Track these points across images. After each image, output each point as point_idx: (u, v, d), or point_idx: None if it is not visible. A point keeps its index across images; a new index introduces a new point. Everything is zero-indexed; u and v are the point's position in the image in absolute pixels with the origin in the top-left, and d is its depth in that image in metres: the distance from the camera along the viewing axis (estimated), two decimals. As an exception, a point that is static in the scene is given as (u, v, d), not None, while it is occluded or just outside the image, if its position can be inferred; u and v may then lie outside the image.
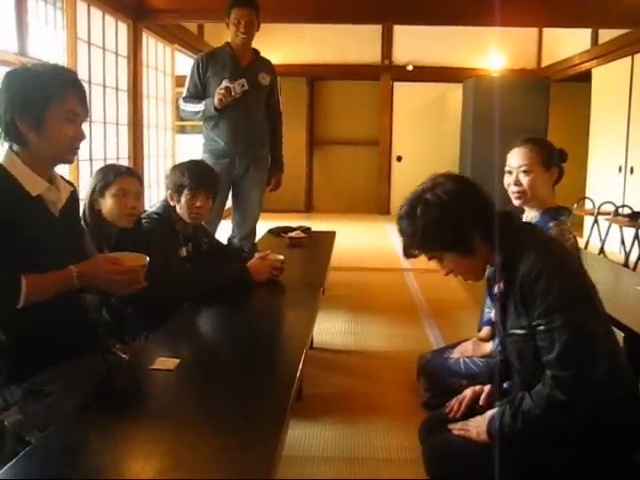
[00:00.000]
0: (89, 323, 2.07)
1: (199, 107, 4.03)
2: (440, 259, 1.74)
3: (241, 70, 4.05)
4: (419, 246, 1.73)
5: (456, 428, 1.79)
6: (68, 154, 1.88)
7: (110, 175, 2.51)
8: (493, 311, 2.73)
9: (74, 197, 2.01)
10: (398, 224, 1.77)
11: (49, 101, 1.78)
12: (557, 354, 1.57)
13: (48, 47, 5.51)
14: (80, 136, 1.87)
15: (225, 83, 3.87)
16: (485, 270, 1.79)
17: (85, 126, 1.91)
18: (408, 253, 1.77)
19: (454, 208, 1.68)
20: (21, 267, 1.72)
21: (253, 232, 4.30)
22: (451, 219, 1.68)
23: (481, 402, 1.89)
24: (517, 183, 2.52)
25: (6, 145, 1.83)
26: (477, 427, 1.73)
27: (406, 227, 1.74)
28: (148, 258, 1.98)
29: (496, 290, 1.79)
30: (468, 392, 1.94)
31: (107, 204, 2.48)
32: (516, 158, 2.53)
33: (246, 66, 4.08)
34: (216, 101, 3.87)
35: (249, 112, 4.09)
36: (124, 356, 2.15)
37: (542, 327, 1.59)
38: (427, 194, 1.71)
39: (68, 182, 2.04)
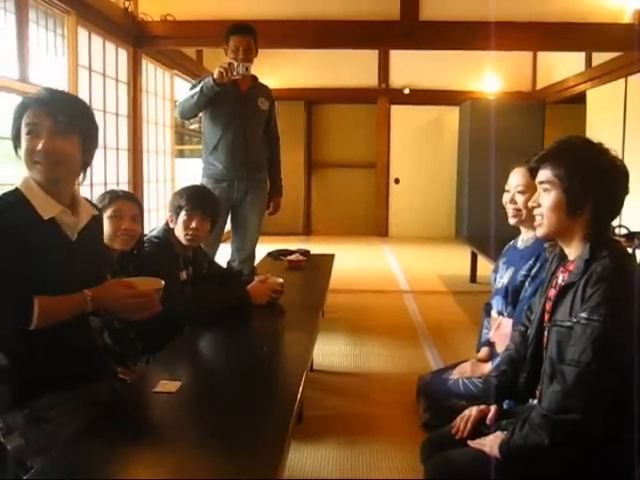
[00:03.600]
0: (95, 349, 2.06)
1: (196, 89, 3.93)
2: (548, 190, 1.76)
3: (241, 95, 4.09)
4: (555, 162, 1.75)
5: (474, 443, 1.81)
6: (34, 170, 1.82)
7: (107, 198, 2.54)
8: (491, 331, 2.76)
9: (96, 220, 2.03)
10: (562, 141, 1.83)
11: (19, 120, 1.81)
12: (580, 348, 1.60)
13: (49, 74, 5.58)
14: (39, 150, 1.78)
15: (229, 60, 3.88)
16: (557, 233, 1.80)
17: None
18: (540, 160, 1.81)
19: (610, 179, 1.74)
20: (35, 289, 1.72)
21: (252, 256, 4.31)
22: (602, 180, 1.72)
23: (488, 421, 1.91)
24: (513, 201, 2.60)
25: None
26: (491, 442, 1.75)
27: (564, 146, 1.80)
28: (163, 282, 1.98)
29: (561, 279, 1.81)
30: (473, 411, 1.95)
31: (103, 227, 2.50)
32: (515, 178, 2.61)
33: (246, 92, 4.13)
34: (216, 73, 3.81)
35: (248, 136, 4.11)
36: (129, 380, 2.16)
37: (583, 321, 1.62)
38: (604, 154, 1.77)
39: (94, 205, 2.08)
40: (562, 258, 1.87)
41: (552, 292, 1.84)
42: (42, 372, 1.82)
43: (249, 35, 4.03)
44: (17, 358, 1.79)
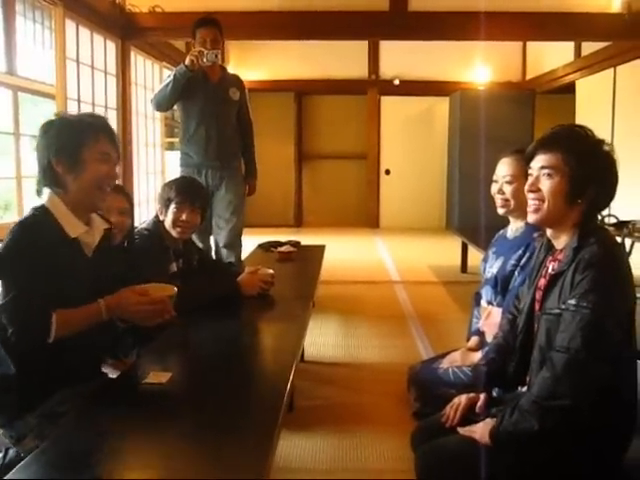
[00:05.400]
0: (95, 352, 2.12)
1: (169, 78, 4.09)
2: (550, 176, 1.74)
3: (212, 87, 4.19)
4: (563, 148, 1.73)
5: (464, 430, 1.82)
6: (98, 195, 1.96)
7: None
8: (481, 321, 2.78)
9: (108, 235, 2.11)
10: (564, 128, 1.81)
11: (83, 142, 1.90)
12: (569, 335, 1.61)
13: (37, 66, 5.55)
14: (113, 176, 2.00)
15: (199, 48, 4.04)
16: (553, 220, 1.79)
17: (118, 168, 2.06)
18: (541, 145, 1.79)
19: (611, 170, 1.74)
20: (56, 305, 1.80)
21: (236, 242, 4.34)
22: (604, 170, 1.73)
23: (478, 409, 1.92)
24: (501, 192, 2.61)
25: (47, 189, 1.94)
26: (481, 429, 1.76)
27: (568, 133, 1.79)
28: (176, 289, 2.02)
29: (551, 268, 1.82)
30: (463, 399, 1.96)
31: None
32: (502, 168, 2.62)
33: (216, 83, 4.23)
34: (187, 60, 3.99)
35: (220, 126, 4.21)
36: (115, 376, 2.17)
37: (571, 308, 1.63)
38: (602, 144, 1.76)
39: (106, 220, 2.15)
40: (549, 248, 1.88)
41: (542, 282, 1.85)
42: (49, 378, 1.88)
43: (214, 27, 4.15)
44: (25, 366, 1.85)
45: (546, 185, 1.75)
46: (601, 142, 1.77)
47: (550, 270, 1.82)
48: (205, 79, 4.16)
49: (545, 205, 1.76)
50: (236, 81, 4.37)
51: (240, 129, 4.38)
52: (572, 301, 1.64)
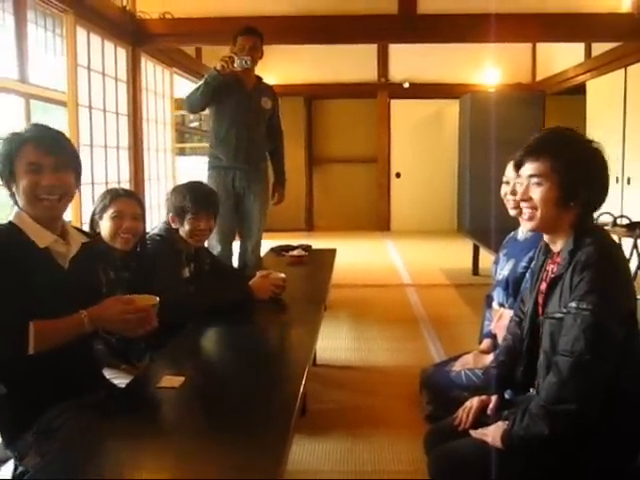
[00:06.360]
0: (92, 363, 2.11)
1: (200, 82, 4.22)
2: (539, 184, 1.75)
3: (245, 94, 4.30)
4: (550, 154, 1.73)
5: (476, 433, 1.82)
6: (42, 204, 1.86)
7: (107, 198, 2.54)
8: (493, 323, 2.78)
9: (87, 248, 2.04)
10: (549, 133, 1.83)
11: (12, 157, 1.85)
12: (572, 338, 1.61)
13: (48, 73, 5.59)
14: (45, 185, 1.85)
15: (230, 53, 4.15)
16: (549, 226, 1.80)
17: (58, 175, 1.87)
18: (528, 153, 1.79)
19: (600, 170, 1.75)
20: (31, 316, 1.75)
21: (260, 242, 4.53)
22: (593, 171, 1.74)
23: (489, 412, 1.92)
24: (514, 193, 2.59)
25: (15, 207, 1.91)
26: (493, 432, 1.76)
27: (553, 138, 1.80)
28: (158, 299, 1.99)
29: (550, 272, 1.82)
30: (475, 402, 1.96)
31: (105, 226, 2.50)
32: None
33: (250, 91, 4.35)
34: (218, 65, 4.09)
35: (251, 132, 4.34)
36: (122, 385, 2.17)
37: (572, 310, 1.63)
38: (589, 144, 1.77)
39: (85, 233, 2.12)
40: (548, 251, 1.88)
41: (543, 285, 1.85)
42: (42, 394, 1.86)
43: (255, 36, 4.28)
44: (16, 384, 1.82)
45: (536, 193, 1.76)
46: (589, 142, 1.77)
47: (550, 274, 1.82)
48: (239, 86, 4.28)
49: (538, 213, 1.77)
50: (269, 91, 4.50)
51: (270, 138, 4.50)
52: (573, 304, 1.64)
